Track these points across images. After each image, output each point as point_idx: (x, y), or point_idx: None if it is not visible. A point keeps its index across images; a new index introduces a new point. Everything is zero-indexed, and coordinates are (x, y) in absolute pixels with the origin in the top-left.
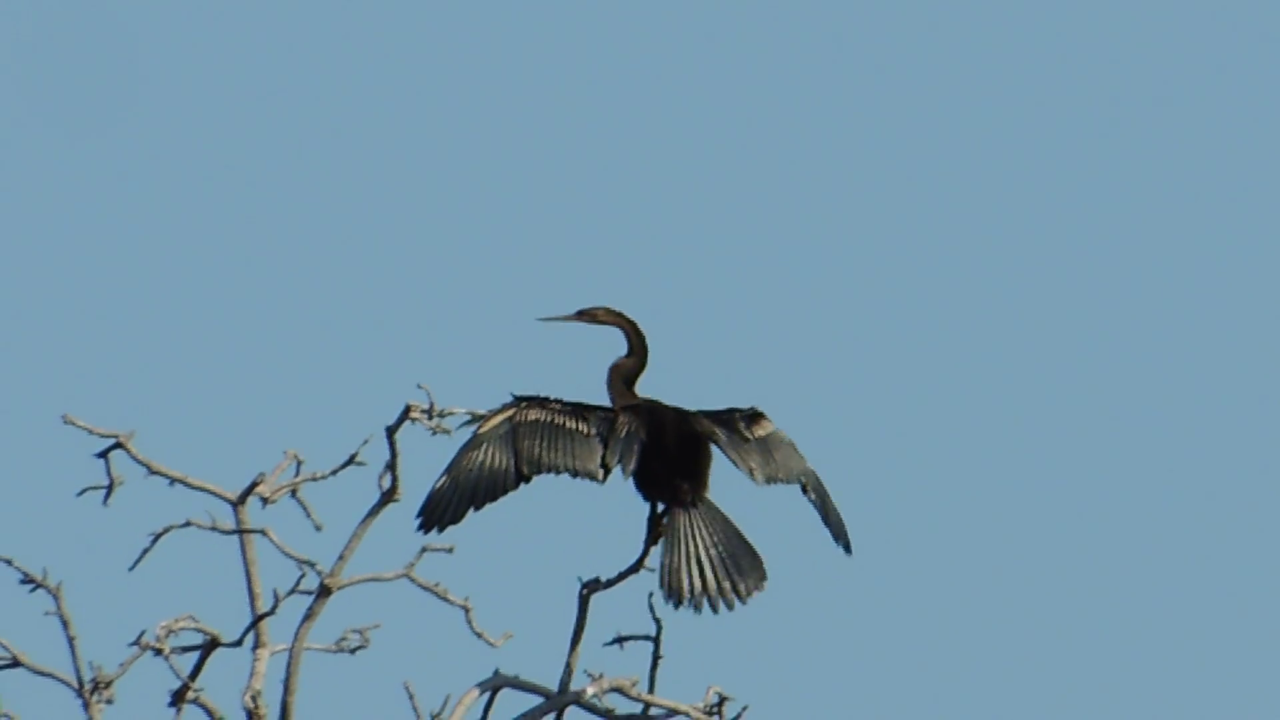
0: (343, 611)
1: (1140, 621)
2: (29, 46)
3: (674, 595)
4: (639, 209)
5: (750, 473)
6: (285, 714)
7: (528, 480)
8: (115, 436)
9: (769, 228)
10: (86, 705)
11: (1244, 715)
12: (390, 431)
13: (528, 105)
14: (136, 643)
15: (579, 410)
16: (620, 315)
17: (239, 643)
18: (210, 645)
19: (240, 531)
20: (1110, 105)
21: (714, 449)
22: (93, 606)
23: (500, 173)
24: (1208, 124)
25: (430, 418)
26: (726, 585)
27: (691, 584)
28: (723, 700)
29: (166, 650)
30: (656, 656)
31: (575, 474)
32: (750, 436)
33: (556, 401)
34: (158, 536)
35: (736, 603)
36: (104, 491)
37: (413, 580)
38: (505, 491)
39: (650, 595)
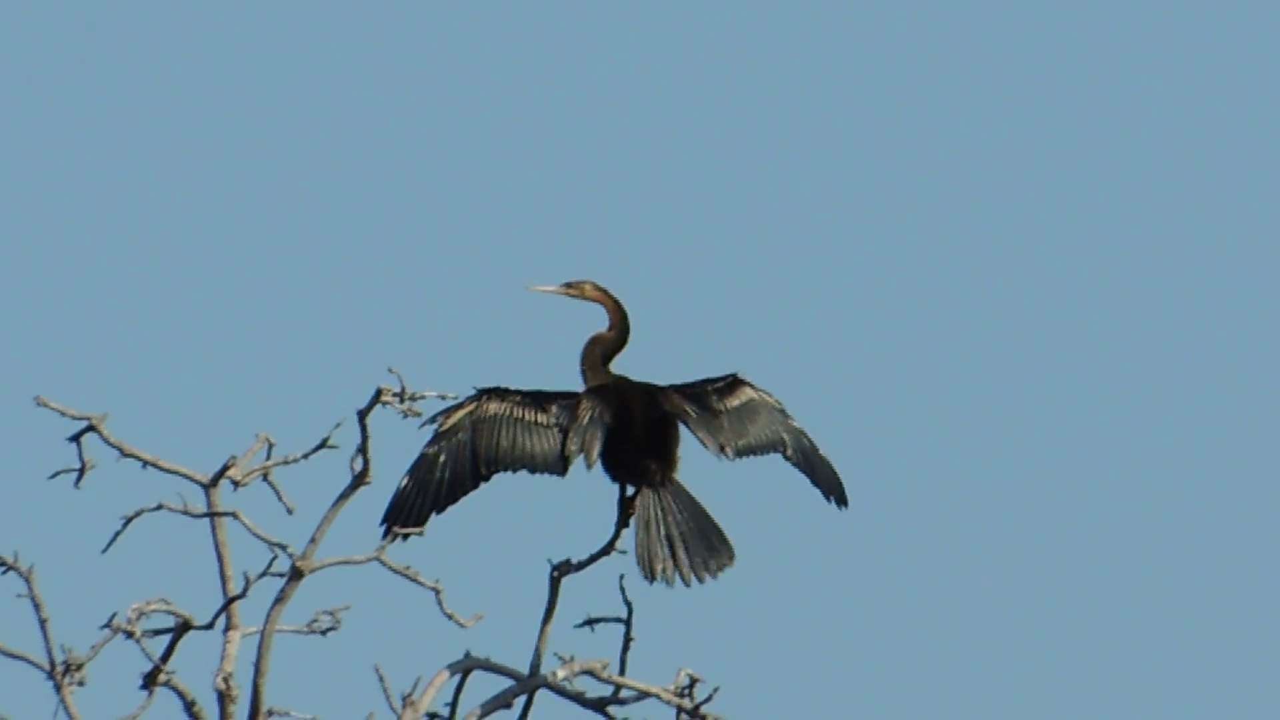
0: (314, 594)
1: (1134, 612)
2: (29, 47)
3: (648, 572)
4: (633, 201)
5: (720, 449)
6: (256, 696)
7: (487, 479)
8: (88, 419)
9: (768, 222)
10: (58, 688)
11: (1244, 715)
12: (362, 415)
13: (514, 90)
14: (108, 625)
15: (539, 400)
16: (604, 291)
17: (210, 625)
18: (182, 628)
19: (212, 514)
20: (1110, 105)
21: (682, 428)
22: (65, 589)
23: (482, 159)
24: (1207, 124)
25: (401, 401)
26: (699, 561)
27: (664, 561)
28: (694, 682)
29: (138, 633)
30: (628, 639)
31: (534, 470)
32: (723, 408)
33: (517, 393)
34: (129, 519)
35: (708, 578)
36: (76, 474)
37: (384, 563)
38: (465, 493)
39: (622, 577)
